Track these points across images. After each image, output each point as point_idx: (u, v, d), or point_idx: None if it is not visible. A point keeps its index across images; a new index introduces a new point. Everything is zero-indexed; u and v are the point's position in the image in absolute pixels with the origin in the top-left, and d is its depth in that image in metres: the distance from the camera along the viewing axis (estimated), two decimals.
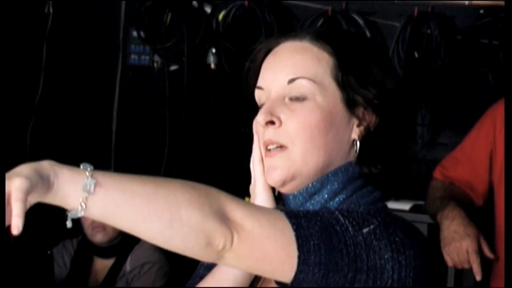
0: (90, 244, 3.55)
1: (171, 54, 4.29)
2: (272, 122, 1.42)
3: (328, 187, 1.43)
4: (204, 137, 4.36)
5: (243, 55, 3.96)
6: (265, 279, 1.46)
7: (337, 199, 1.43)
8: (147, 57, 4.44)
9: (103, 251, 3.54)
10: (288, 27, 4.03)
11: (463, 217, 2.75)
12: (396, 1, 3.94)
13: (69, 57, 4.44)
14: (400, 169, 1.50)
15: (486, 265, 2.87)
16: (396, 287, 1.31)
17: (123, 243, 3.52)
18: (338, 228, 1.29)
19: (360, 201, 1.42)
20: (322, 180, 1.43)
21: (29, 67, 4.31)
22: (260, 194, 1.45)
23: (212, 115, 4.36)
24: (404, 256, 1.31)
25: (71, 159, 4.58)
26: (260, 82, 1.48)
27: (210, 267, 1.50)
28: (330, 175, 1.43)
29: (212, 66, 4.25)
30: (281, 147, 1.42)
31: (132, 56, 4.48)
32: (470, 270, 2.77)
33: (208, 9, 4.23)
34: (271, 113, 1.42)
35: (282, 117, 1.42)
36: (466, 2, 3.84)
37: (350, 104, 1.44)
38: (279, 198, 1.46)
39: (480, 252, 2.74)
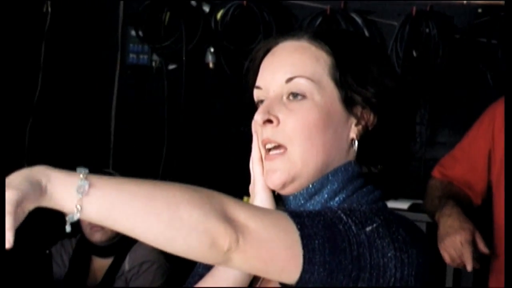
0: (88, 243, 3.55)
1: (169, 53, 4.29)
2: (270, 121, 1.42)
3: (328, 187, 1.43)
4: (202, 136, 4.36)
5: (241, 54, 3.96)
6: (264, 279, 1.46)
7: (337, 198, 1.43)
8: (146, 56, 4.44)
9: (102, 250, 3.54)
10: (287, 26, 4.03)
11: (459, 213, 2.75)
12: (394, 0, 3.94)
13: (68, 56, 4.44)
14: (400, 168, 1.50)
15: (485, 264, 2.87)
16: (398, 286, 1.31)
17: (122, 242, 3.52)
18: (341, 226, 1.29)
19: (361, 200, 1.43)
20: (322, 180, 1.43)
21: (27, 67, 4.31)
22: (259, 194, 1.45)
23: (210, 114, 4.36)
24: (406, 255, 1.32)
25: (70, 159, 4.61)
26: (258, 82, 1.48)
27: (209, 266, 1.50)
28: (330, 175, 1.43)
29: (211, 65, 4.25)
30: (280, 147, 1.42)
31: (131, 55, 4.47)
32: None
33: (206, 8, 4.22)
34: (269, 112, 1.42)
35: (280, 116, 1.42)
36: (465, 1, 3.84)
37: (348, 103, 1.44)
38: (278, 198, 1.46)
39: (477, 250, 2.73)
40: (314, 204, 1.43)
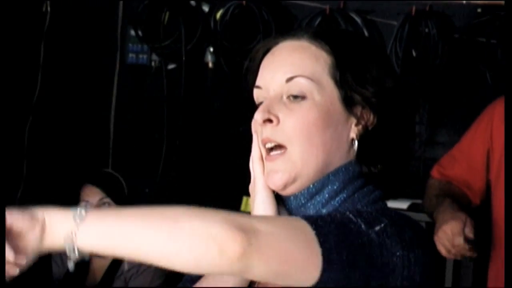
0: None
1: (169, 53, 4.29)
2: (270, 120, 1.42)
3: (329, 187, 1.43)
4: (202, 136, 4.36)
5: (241, 54, 3.96)
6: None
7: (338, 198, 1.43)
8: (145, 56, 4.44)
9: None
10: (286, 26, 4.03)
11: (454, 208, 2.75)
12: (394, 0, 3.94)
13: (67, 56, 4.44)
14: (399, 168, 1.50)
15: (484, 263, 2.87)
16: (405, 284, 1.31)
17: None
18: (352, 226, 1.30)
19: (361, 200, 1.43)
20: (323, 180, 1.43)
21: (26, 66, 4.31)
22: (260, 193, 1.44)
23: (210, 114, 4.35)
24: (413, 254, 1.32)
25: (69, 158, 4.58)
26: (258, 82, 1.48)
27: None
28: (330, 175, 1.43)
29: (210, 65, 4.26)
30: (280, 147, 1.42)
31: (130, 55, 4.47)
32: (469, 269, 2.77)
33: (206, 8, 4.22)
34: (269, 111, 1.42)
35: (280, 115, 1.42)
36: (464, 1, 3.84)
37: (348, 103, 1.44)
38: (279, 198, 1.46)
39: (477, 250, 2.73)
40: (315, 204, 1.43)
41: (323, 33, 1.48)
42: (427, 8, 3.82)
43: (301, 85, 1.43)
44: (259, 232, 1.20)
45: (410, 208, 3.56)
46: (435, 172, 3.06)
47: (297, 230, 1.26)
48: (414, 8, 3.81)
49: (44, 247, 1.18)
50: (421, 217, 3.28)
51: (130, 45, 4.46)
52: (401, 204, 3.57)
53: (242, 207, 4.00)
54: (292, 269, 1.24)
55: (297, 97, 1.43)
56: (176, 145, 4.35)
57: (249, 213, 1.47)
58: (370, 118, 1.45)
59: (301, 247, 1.24)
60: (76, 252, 1.18)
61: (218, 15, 4.13)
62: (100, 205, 3.49)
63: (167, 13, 4.22)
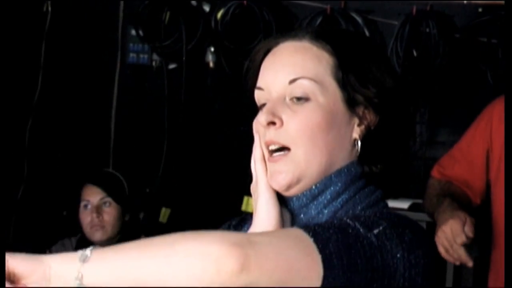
0: (89, 243, 3.54)
1: (169, 52, 4.29)
2: (274, 123, 1.42)
3: (331, 188, 1.43)
4: (203, 136, 4.36)
5: (241, 54, 3.96)
6: None
7: (340, 199, 1.43)
8: (146, 56, 4.44)
9: None
10: (287, 26, 4.03)
11: (452, 206, 2.75)
12: (394, 0, 3.93)
13: (68, 56, 4.44)
14: (400, 167, 1.50)
15: (485, 263, 2.87)
16: (407, 285, 1.31)
17: (122, 242, 3.51)
18: (351, 230, 1.29)
19: (363, 201, 1.43)
20: (325, 181, 1.43)
21: (27, 66, 4.31)
22: (263, 194, 1.44)
23: (210, 113, 4.35)
24: (413, 255, 1.32)
25: (70, 158, 4.57)
26: (260, 83, 1.48)
27: None
28: (333, 176, 1.43)
29: (211, 64, 4.26)
30: (283, 149, 1.42)
31: (131, 55, 4.47)
32: (469, 269, 2.77)
33: (206, 8, 4.22)
34: (272, 113, 1.42)
35: (284, 117, 1.42)
36: (465, 1, 3.84)
37: (351, 104, 1.44)
38: (281, 198, 1.46)
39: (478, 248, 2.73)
40: (317, 205, 1.43)
41: (324, 34, 1.48)
42: (428, 8, 3.82)
43: (304, 86, 1.42)
44: (256, 244, 1.20)
45: (411, 208, 3.56)
46: (435, 172, 3.06)
47: (295, 239, 1.25)
48: (415, 8, 3.81)
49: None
50: (422, 217, 3.28)
51: (131, 44, 4.46)
52: (402, 204, 3.56)
53: (243, 207, 4.00)
54: (294, 277, 1.22)
55: (301, 99, 1.42)
56: (177, 145, 4.35)
57: (250, 213, 1.47)
58: (373, 118, 1.45)
59: (300, 255, 1.23)
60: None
61: (219, 14, 4.13)
62: (101, 204, 3.49)
63: (168, 13, 4.22)
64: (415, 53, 3.80)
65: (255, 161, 1.46)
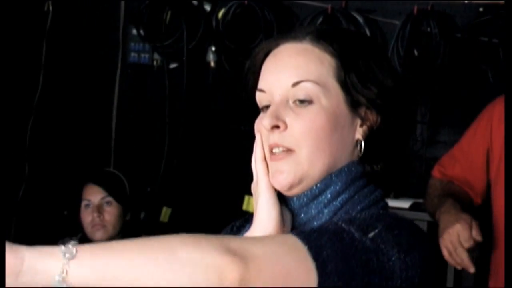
0: (90, 242, 3.54)
1: (170, 52, 4.29)
2: (278, 127, 1.42)
3: (332, 187, 1.43)
4: (204, 135, 4.36)
5: (242, 53, 3.97)
6: None
7: (340, 198, 1.43)
8: (147, 55, 4.44)
9: None
10: (288, 25, 4.03)
11: (456, 208, 2.75)
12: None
13: (69, 55, 4.44)
14: (401, 165, 1.50)
15: (486, 263, 2.87)
16: (404, 286, 1.31)
17: None
18: (345, 235, 1.29)
19: (362, 201, 1.44)
20: (326, 181, 1.43)
21: (28, 66, 4.31)
22: (263, 194, 1.44)
23: (212, 113, 4.36)
24: (410, 257, 1.32)
25: (71, 157, 4.56)
26: (261, 85, 1.48)
27: None
28: (333, 176, 1.43)
29: (212, 64, 4.26)
30: (287, 150, 1.42)
31: (132, 54, 4.48)
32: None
33: (207, 7, 4.23)
34: (276, 117, 1.42)
35: (288, 120, 1.42)
36: (466, 1, 3.84)
37: (353, 105, 1.44)
38: (281, 197, 1.46)
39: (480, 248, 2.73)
40: (317, 204, 1.43)
41: (325, 34, 1.47)
42: (429, 8, 3.82)
43: (307, 89, 1.42)
44: (254, 255, 1.20)
45: (412, 207, 3.56)
46: (436, 172, 3.05)
47: (290, 248, 1.25)
48: (416, 8, 3.81)
49: (20, 284, 1.11)
50: (423, 216, 3.28)
51: (132, 44, 4.46)
52: (403, 203, 3.57)
53: (244, 206, 4.01)
54: (292, 283, 1.23)
55: (304, 102, 1.42)
56: (178, 144, 4.35)
57: (252, 213, 1.46)
58: (375, 118, 1.45)
59: (296, 263, 1.24)
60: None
61: (220, 14, 4.13)
62: (102, 204, 3.49)
63: (169, 12, 4.22)
64: (416, 53, 3.80)
65: (255, 160, 1.46)
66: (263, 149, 1.45)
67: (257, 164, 1.46)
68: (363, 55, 1.46)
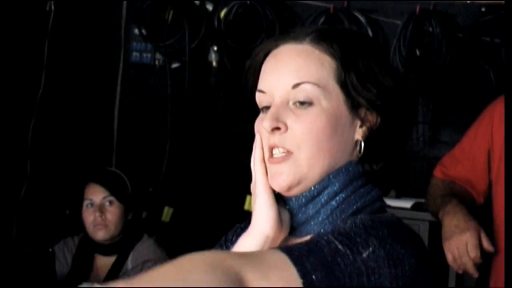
0: (91, 242, 3.55)
1: (172, 51, 4.29)
2: (278, 128, 1.42)
3: (329, 188, 1.44)
4: (205, 134, 4.36)
5: (244, 53, 3.97)
6: None
7: (337, 198, 1.44)
8: (149, 55, 4.44)
9: (105, 248, 3.54)
10: (290, 25, 4.04)
11: (464, 213, 2.75)
12: None
13: (71, 55, 4.44)
14: (401, 164, 1.50)
15: (487, 263, 2.87)
16: None
17: (125, 240, 3.52)
18: (340, 259, 1.28)
19: (359, 201, 1.44)
20: (324, 182, 1.44)
21: (30, 65, 4.31)
22: (261, 195, 1.44)
23: (213, 112, 4.36)
24: (400, 268, 1.32)
25: (73, 157, 4.57)
26: (261, 86, 1.48)
27: None
28: (331, 176, 1.44)
29: (214, 64, 4.26)
30: (287, 152, 1.42)
31: (134, 54, 4.48)
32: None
33: (209, 7, 4.23)
34: (277, 119, 1.42)
35: (288, 122, 1.42)
36: (468, 0, 3.84)
37: (353, 106, 1.44)
38: (279, 197, 1.46)
39: (482, 251, 2.73)
40: (315, 205, 1.44)
41: (325, 35, 1.47)
42: (431, 7, 3.82)
43: (307, 91, 1.42)
44: (252, 283, 1.18)
45: (413, 207, 3.56)
46: (438, 172, 3.05)
47: (283, 272, 1.23)
48: (418, 7, 3.82)
49: None
50: (425, 216, 3.29)
51: (134, 43, 4.47)
52: (405, 203, 3.56)
53: (246, 206, 4.01)
54: None
55: (304, 103, 1.42)
56: (180, 143, 4.35)
57: (250, 212, 1.47)
58: (374, 119, 1.45)
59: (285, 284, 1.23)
60: None
61: (222, 14, 4.14)
62: (104, 203, 3.49)
63: (171, 12, 4.22)
64: (418, 53, 3.80)
65: (254, 161, 1.46)
66: (263, 149, 1.46)
67: (255, 164, 1.46)
68: (363, 56, 1.45)
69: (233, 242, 1.56)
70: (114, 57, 4.49)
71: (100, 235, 3.50)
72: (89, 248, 3.58)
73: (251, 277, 1.18)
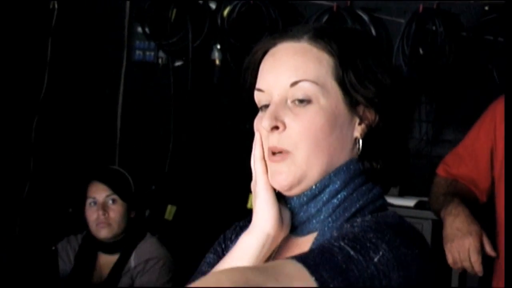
0: (94, 240, 3.55)
1: (175, 50, 4.29)
2: (277, 127, 1.42)
3: (331, 186, 1.44)
4: (208, 132, 4.36)
5: (247, 51, 3.94)
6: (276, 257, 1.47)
7: (338, 196, 1.44)
8: (152, 53, 4.44)
9: (108, 246, 3.55)
10: (293, 24, 4.03)
11: (466, 215, 2.75)
12: None
13: (74, 53, 4.45)
14: (401, 162, 1.50)
15: (488, 263, 2.87)
16: None
17: (128, 239, 3.52)
18: (353, 266, 1.27)
19: (360, 199, 1.44)
20: (325, 181, 1.44)
21: (34, 64, 4.32)
22: (261, 193, 1.45)
23: (216, 111, 4.36)
24: (408, 269, 1.32)
25: (76, 155, 4.58)
26: (260, 84, 1.48)
27: (212, 264, 1.50)
28: (332, 174, 1.44)
29: (217, 62, 4.26)
30: (286, 152, 1.42)
31: (137, 52, 4.48)
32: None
33: (213, 5, 4.23)
34: (275, 117, 1.42)
35: (286, 120, 1.42)
36: (471, 0, 3.84)
37: (352, 104, 1.44)
38: (280, 196, 1.46)
39: (482, 250, 2.73)
40: (316, 203, 1.44)
41: (323, 33, 1.47)
42: (435, 6, 3.82)
43: (305, 89, 1.42)
44: None
45: (417, 205, 3.55)
46: (441, 170, 3.05)
47: (302, 283, 1.22)
48: (421, 6, 3.81)
49: None
50: (428, 215, 3.28)
51: (137, 42, 4.47)
52: (408, 202, 3.56)
53: (249, 204, 4.01)
54: None
55: (303, 101, 1.43)
56: (183, 142, 4.35)
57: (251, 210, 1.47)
58: (373, 116, 1.45)
59: None
60: None
61: (225, 12, 4.13)
62: (107, 201, 3.49)
63: (174, 10, 4.22)
64: (421, 52, 3.80)
65: (254, 159, 1.46)
66: (262, 148, 1.46)
67: (255, 163, 1.46)
68: (361, 53, 1.45)
69: (232, 240, 1.56)
70: (117, 55, 4.50)
71: (103, 233, 3.50)
72: (92, 246, 3.58)
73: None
